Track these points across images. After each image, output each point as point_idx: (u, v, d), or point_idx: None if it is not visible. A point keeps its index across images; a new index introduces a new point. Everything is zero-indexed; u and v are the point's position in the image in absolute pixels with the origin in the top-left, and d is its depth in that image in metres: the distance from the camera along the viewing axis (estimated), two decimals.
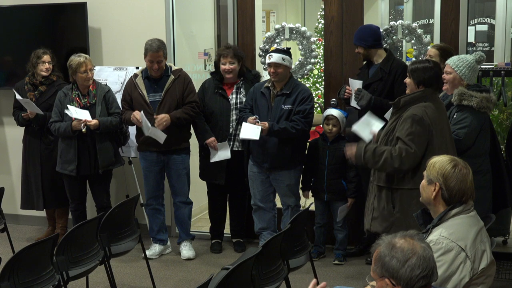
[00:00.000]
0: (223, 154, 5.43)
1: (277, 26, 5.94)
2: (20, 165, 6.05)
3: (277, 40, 5.89)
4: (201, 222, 6.54)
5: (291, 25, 5.88)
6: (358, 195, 5.31)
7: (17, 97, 5.69)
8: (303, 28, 5.87)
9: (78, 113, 5.26)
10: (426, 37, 5.58)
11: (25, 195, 5.99)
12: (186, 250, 5.60)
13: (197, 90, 5.58)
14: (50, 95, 5.71)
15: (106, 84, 5.71)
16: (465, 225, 2.88)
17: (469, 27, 5.46)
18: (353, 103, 5.16)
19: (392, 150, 3.98)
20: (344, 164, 5.26)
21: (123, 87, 5.69)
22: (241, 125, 5.19)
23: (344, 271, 5.23)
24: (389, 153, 3.98)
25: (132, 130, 5.67)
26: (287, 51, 5.15)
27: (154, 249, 5.60)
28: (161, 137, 5.27)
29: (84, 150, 5.39)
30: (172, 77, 5.39)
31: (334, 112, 5.31)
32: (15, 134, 6.27)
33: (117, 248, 4.42)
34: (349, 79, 5.28)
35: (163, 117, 5.24)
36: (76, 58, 5.35)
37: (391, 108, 4.33)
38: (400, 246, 2.25)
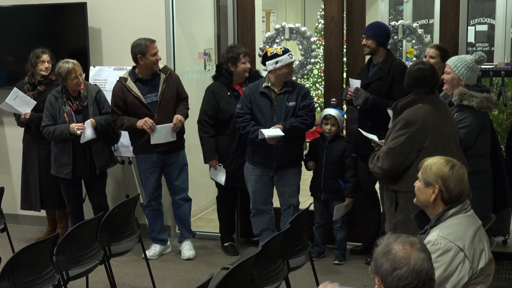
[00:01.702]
0: (219, 177, 5.47)
1: (277, 26, 5.94)
2: (20, 165, 6.05)
3: (277, 40, 5.89)
4: (201, 222, 6.54)
5: (291, 25, 5.88)
6: (356, 195, 5.32)
7: (1, 107, 5.66)
8: (303, 28, 5.88)
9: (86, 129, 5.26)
10: (426, 37, 5.59)
11: (24, 195, 5.99)
12: (187, 250, 5.60)
13: (195, 92, 5.55)
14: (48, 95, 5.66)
15: (95, 84, 5.66)
16: (462, 225, 2.88)
17: (469, 27, 5.46)
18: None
19: (375, 153, 4.17)
20: (342, 164, 5.27)
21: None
22: (243, 134, 5.19)
23: (344, 271, 5.23)
24: (372, 156, 4.17)
25: (125, 132, 5.63)
26: None
27: (154, 249, 5.60)
28: (172, 136, 5.29)
29: (79, 152, 5.36)
30: (163, 75, 5.36)
31: (332, 111, 5.32)
32: (15, 134, 6.27)
33: (117, 248, 4.42)
34: (349, 78, 5.30)
35: (179, 120, 5.24)
36: (65, 65, 5.25)
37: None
38: (394, 252, 2.22)
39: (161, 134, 5.27)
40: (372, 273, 2.29)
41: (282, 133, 4.97)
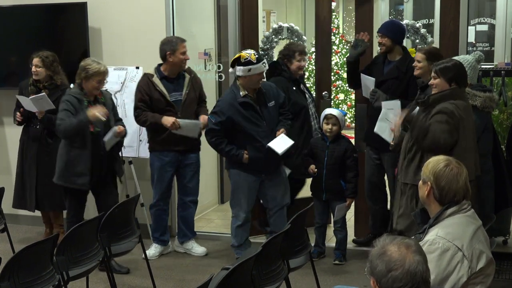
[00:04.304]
0: None
1: (275, 26, 6.05)
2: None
3: (275, 39, 5.95)
4: (201, 222, 6.53)
5: (287, 25, 6.00)
6: (357, 195, 5.34)
7: (20, 99, 5.57)
8: (295, 27, 6.12)
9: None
10: (428, 37, 5.62)
11: (18, 194, 5.93)
12: (197, 247, 5.64)
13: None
14: (53, 100, 5.45)
15: (106, 90, 5.39)
16: (461, 224, 2.87)
17: (469, 27, 5.46)
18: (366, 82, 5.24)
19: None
20: (343, 164, 5.26)
21: (124, 87, 5.65)
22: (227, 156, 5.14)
23: (344, 271, 5.22)
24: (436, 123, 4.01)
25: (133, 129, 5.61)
26: None
27: (154, 249, 5.60)
28: (195, 133, 5.31)
29: (96, 161, 5.02)
30: (188, 76, 5.39)
31: (333, 111, 5.31)
32: (15, 134, 6.26)
33: (117, 248, 4.42)
34: (361, 74, 5.28)
35: (206, 119, 5.23)
36: (96, 65, 4.93)
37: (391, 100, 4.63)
38: (389, 254, 2.22)
39: (187, 128, 5.25)
40: (368, 273, 2.29)
41: (292, 142, 4.94)
